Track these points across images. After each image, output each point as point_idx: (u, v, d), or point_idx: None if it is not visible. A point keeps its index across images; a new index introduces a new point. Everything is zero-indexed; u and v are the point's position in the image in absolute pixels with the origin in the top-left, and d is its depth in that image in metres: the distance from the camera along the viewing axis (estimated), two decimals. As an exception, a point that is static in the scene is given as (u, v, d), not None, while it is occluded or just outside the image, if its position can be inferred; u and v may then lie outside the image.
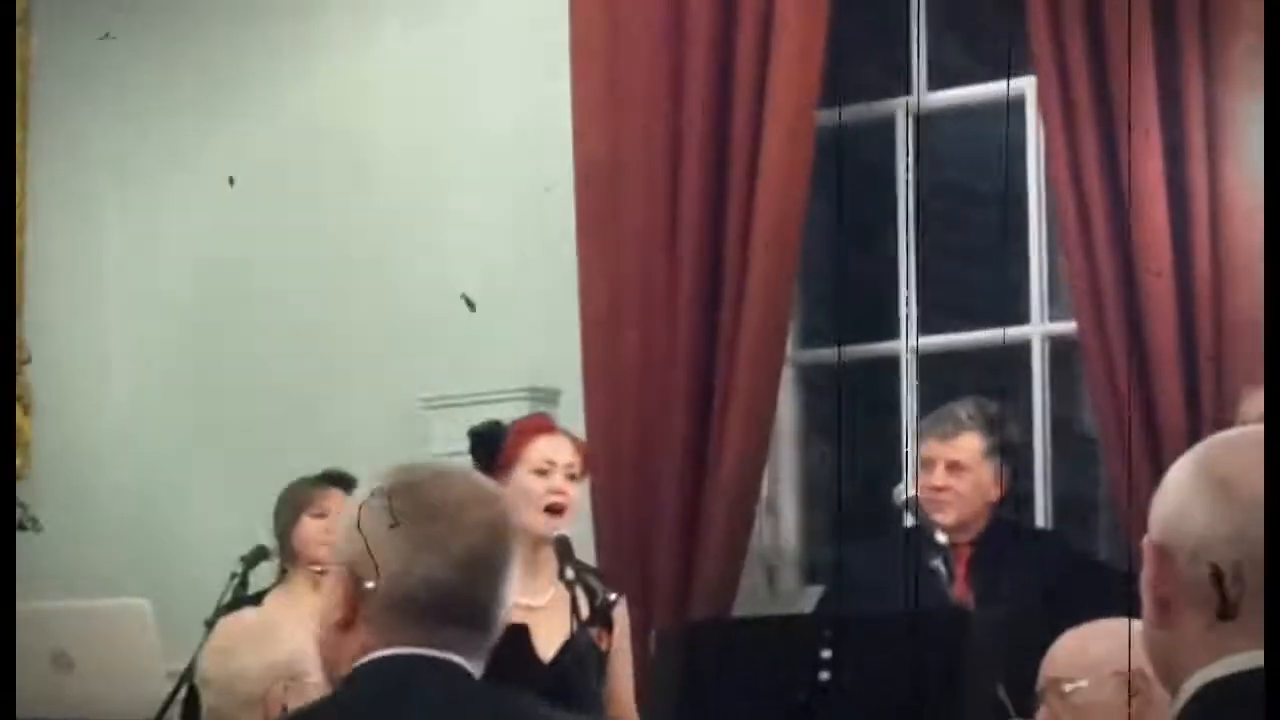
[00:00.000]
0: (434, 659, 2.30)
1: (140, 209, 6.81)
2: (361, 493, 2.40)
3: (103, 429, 6.75)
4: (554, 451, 4.81)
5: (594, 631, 4.78)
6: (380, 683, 2.30)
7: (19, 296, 6.66)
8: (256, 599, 5.16)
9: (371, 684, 2.30)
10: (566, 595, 4.74)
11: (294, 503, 5.39)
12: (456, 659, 2.31)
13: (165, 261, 6.74)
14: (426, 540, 2.32)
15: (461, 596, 2.32)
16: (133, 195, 6.82)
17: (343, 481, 5.14)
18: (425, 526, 2.33)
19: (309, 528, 5.30)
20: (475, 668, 2.33)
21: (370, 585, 2.31)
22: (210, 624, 4.36)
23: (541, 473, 4.79)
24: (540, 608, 4.70)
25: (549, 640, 4.67)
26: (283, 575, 5.38)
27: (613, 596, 4.86)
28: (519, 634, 4.49)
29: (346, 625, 2.34)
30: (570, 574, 4.76)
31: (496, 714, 2.32)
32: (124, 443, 6.71)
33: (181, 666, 4.40)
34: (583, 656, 4.73)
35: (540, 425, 4.89)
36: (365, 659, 2.31)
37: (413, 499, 2.35)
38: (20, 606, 4.41)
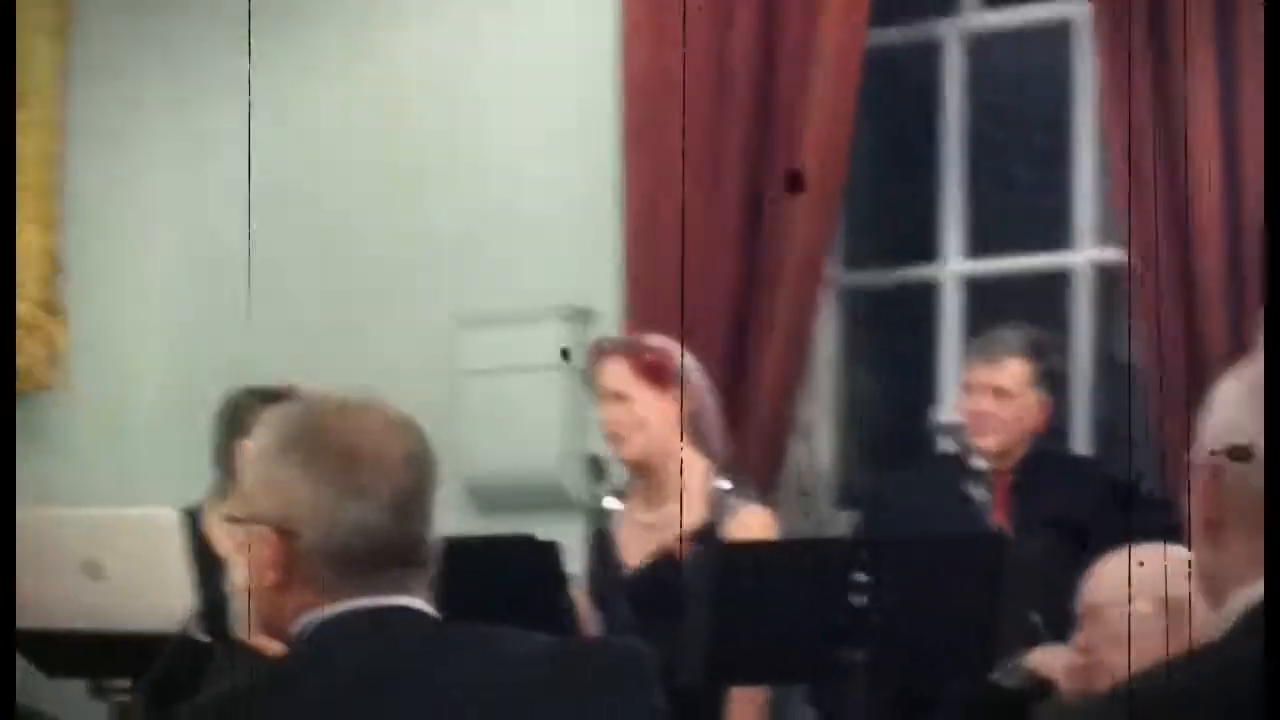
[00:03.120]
0: (383, 608, 2.24)
1: (183, 134, 6.78)
2: (263, 440, 2.31)
3: (139, 342, 6.75)
4: (604, 379, 4.83)
5: (681, 547, 4.79)
6: (335, 643, 2.23)
7: (57, 209, 6.66)
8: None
9: (326, 646, 2.24)
10: (675, 511, 4.76)
11: (239, 420, 5.20)
12: (404, 601, 2.26)
13: (204, 181, 6.72)
14: (351, 488, 2.24)
15: (396, 536, 2.26)
16: (176, 122, 6.79)
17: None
18: (346, 473, 2.25)
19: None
20: (422, 601, 2.28)
21: (301, 543, 2.24)
22: None
23: (602, 401, 4.83)
24: (651, 523, 4.73)
25: (643, 553, 4.74)
26: (221, 488, 5.23)
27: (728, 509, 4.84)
28: (605, 541, 4.63)
29: (282, 586, 2.26)
30: (605, 492, 4.76)
31: (457, 649, 2.27)
32: (158, 354, 6.71)
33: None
34: (667, 571, 4.72)
35: (598, 351, 4.92)
36: (313, 619, 2.25)
37: (324, 443, 2.27)
38: (51, 514, 4.42)
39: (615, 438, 4.83)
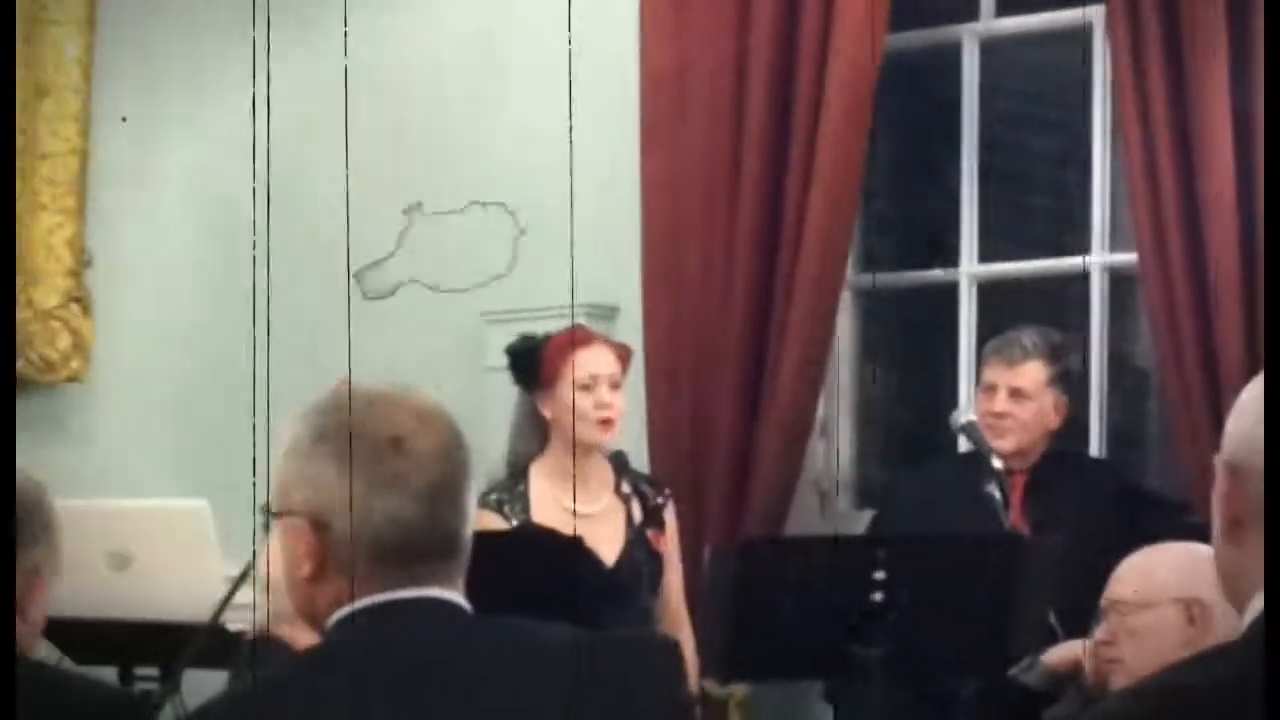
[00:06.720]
0: (414, 600, 2.24)
1: (204, 113, 6.80)
2: (296, 433, 2.32)
3: (162, 333, 6.77)
4: (595, 364, 4.83)
5: (649, 534, 4.83)
6: (366, 635, 2.23)
7: (82, 201, 6.68)
8: None
9: (357, 637, 2.23)
10: (619, 502, 4.79)
11: None
12: (437, 593, 2.26)
13: (227, 167, 6.73)
14: (382, 479, 2.24)
15: (429, 529, 2.25)
16: (197, 101, 6.81)
17: None
18: (379, 464, 2.24)
19: None
20: (455, 593, 2.28)
21: (334, 534, 2.24)
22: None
23: (586, 388, 4.81)
24: (594, 515, 4.75)
25: (605, 546, 4.73)
26: None
27: (660, 500, 4.91)
28: (575, 545, 4.54)
29: (315, 577, 2.27)
30: (628, 488, 4.79)
31: (489, 642, 2.27)
32: (183, 347, 6.73)
33: (238, 571, 4.42)
34: (640, 562, 4.78)
35: (577, 339, 4.89)
36: (344, 611, 2.24)
37: (356, 434, 2.25)
38: (79, 504, 4.46)
39: (608, 424, 4.85)
